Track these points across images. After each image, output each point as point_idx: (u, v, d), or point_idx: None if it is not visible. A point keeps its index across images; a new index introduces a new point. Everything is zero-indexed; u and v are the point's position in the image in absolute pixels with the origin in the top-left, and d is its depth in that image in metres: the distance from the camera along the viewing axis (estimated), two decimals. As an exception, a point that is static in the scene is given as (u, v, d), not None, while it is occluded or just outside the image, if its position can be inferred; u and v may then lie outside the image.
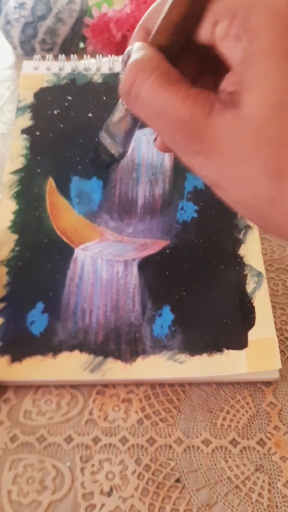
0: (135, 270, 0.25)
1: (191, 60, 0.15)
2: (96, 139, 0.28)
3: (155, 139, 0.18)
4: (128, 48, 0.14)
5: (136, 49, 0.13)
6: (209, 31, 0.12)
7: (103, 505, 0.18)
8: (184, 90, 0.12)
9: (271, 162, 0.11)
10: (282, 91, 0.11)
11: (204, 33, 0.12)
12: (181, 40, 0.13)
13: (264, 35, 0.11)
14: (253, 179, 0.12)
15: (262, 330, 0.22)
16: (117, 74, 0.33)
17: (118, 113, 0.20)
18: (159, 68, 0.12)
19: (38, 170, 0.28)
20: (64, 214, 0.27)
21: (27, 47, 0.54)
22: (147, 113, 0.13)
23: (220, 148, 0.12)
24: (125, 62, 0.14)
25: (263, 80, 0.11)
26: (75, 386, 0.22)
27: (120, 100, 0.19)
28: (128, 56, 0.14)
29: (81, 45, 0.58)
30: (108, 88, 0.32)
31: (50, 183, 0.28)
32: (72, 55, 0.33)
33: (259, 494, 0.18)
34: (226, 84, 0.12)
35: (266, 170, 0.11)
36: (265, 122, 0.11)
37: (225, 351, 0.22)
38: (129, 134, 0.22)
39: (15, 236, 0.26)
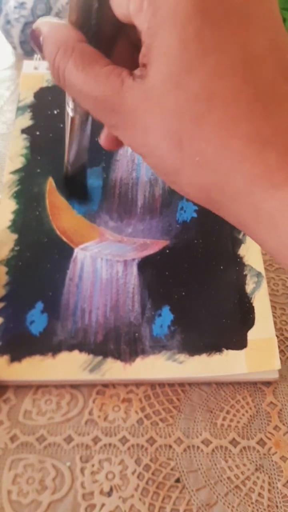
0: (134, 270, 0.25)
1: (128, 46, 0.15)
2: (96, 139, 0.28)
3: (99, 137, 0.18)
4: (37, 22, 0.14)
5: (52, 27, 0.14)
6: (124, 6, 0.12)
7: (103, 505, 0.18)
8: (99, 69, 0.12)
9: (172, 132, 0.12)
10: (181, 61, 0.11)
11: (120, 8, 0.12)
12: (91, 13, 0.13)
13: (165, 5, 0.11)
14: (159, 149, 0.12)
15: (262, 330, 0.22)
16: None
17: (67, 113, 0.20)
18: (75, 49, 0.13)
19: (38, 170, 0.28)
20: (64, 214, 0.27)
21: (27, 47, 0.54)
22: (73, 94, 0.14)
23: (132, 120, 0.12)
24: (35, 38, 0.14)
25: (164, 51, 0.11)
26: (75, 386, 0.22)
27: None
28: (38, 32, 0.14)
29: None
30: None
31: (50, 183, 0.28)
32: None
33: (259, 494, 0.18)
34: (140, 58, 0.12)
35: (167, 140, 0.12)
36: (165, 92, 0.11)
37: (225, 351, 0.22)
38: (74, 138, 0.21)
39: (14, 236, 0.26)
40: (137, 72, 0.12)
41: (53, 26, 0.14)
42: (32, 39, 0.14)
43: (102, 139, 0.18)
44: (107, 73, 0.12)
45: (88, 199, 0.27)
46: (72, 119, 0.20)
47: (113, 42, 0.14)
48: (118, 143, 0.18)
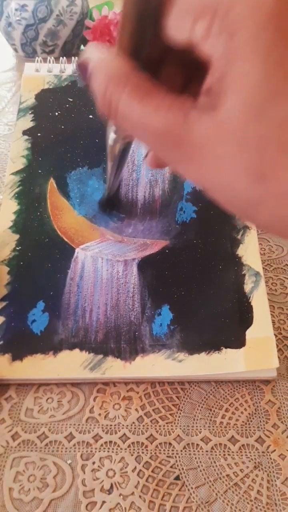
0: (135, 269, 0.25)
1: (176, 68, 0.14)
2: (97, 140, 0.28)
3: (145, 156, 0.18)
4: (85, 54, 0.14)
5: (101, 58, 0.13)
6: (187, 30, 0.11)
7: (103, 502, 0.18)
8: (158, 100, 0.12)
9: (252, 165, 0.11)
10: (262, 92, 0.10)
11: (179, 34, 0.12)
12: (145, 40, 0.13)
13: (244, 31, 0.10)
14: (235, 183, 0.11)
15: (260, 329, 0.22)
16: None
17: (110, 139, 0.20)
18: (130, 79, 0.12)
19: (39, 171, 0.29)
20: (64, 215, 0.27)
21: (28, 49, 0.55)
22: (129, 127, 0.13)
23: (200, 154, 0.12)
24: (83, 69, 0.13)
25: (242, 80, 0.10)
26: (76, 384, 0.22)
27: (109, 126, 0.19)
28: (86, 63, 0.13)
29: (82, 47, 0.58)
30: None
31: (51, 184, 0.28)
32: (73, 57, 0.34)
33: (258, 492, 0.19)
34: (206, 86, 0.12)
35: (247, 174, 0.11)
36: (245, 124, 0.11)
37: (223, 350, 0.22)
38: (116, 168, 0.22)
39: (16, 236, 0.26)
40: (205, 100, 0.11)
41: (102, 55, 0.13)
42: (80, 70, 0.13)
43: (149, 160, 0.17)
44: (168, 104, 0.12)
45: (125, 211, 0.27)
46: (112, 148, 0.20)
47: (160, 64, 0.14)
48: (165, 164, 0.17)
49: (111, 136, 0.19)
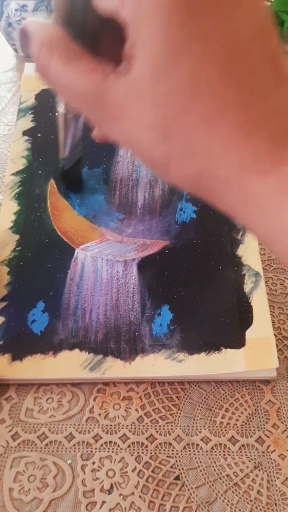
0: (134, 270, 0.25)
1: (114, 39, 0.15)
2: (97, 141, 0.28)
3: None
4: (24, 22, 0.15)
5: (35, 25, 0.14)
6: (108, 2, 0.12)
7: (103, 502, 0.18)
8: (84, 64, 0.13)
9: (158, 123, 0.12)
10: (166, 53, 0.11)
11: (104, 5, 0.12)
12: (76, 10, 0.14)
13: None
14: (146, 140, 0.12)
15: (260, 329, 0.22)
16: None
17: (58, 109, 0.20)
18: (61, 44, 0.13)
19: (39, 171, 0.29)
20: (65, 215, 0.27)
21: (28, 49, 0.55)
22: (58, 90, 0.14)
23: (117, 115, 0.12)
24: (23, 36, 0.15)
25: (148, 44, 0.11)
26: (76, 384, 0.22)
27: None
28: (25, 30, 0.14)
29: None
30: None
31: (51, 184, 0.28)
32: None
33: (258, 492, 0.19)
34: (126, 51, 0.12)
35: (154, 131, 0.12)
36: (150, 85, 0.11)
37: (223, 350, 0.22)
38: (67, 134, 0.22)
39: (16, 236, 0.26)
40: (123, 66, 0.12)
41: (39, 25, 0.14)
42: (21, 38, 0.15)
43: (94, 133, 0.19)
44: (91, 68, 0.12)
45: (82, 190, 0.27)
46: (65, 115, 0.20)
47: (98, 38, 0.15)
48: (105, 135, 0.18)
49: (61, 104, 0.20)
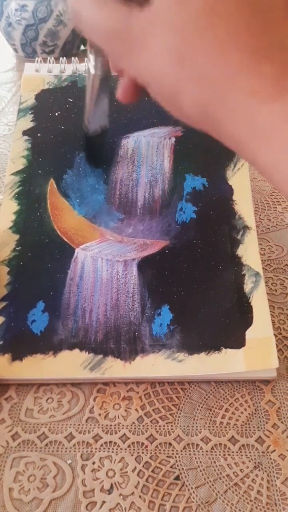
0: (134, 270, 0.25)
1: None
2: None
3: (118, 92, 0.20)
4: None
5: None
6: None
7: (103, 502, 0.18)
8: (111, 4, 0.14)
9: (173, 48, 0.12)
10: None
11: None
12: None
13: None
14: (161, 67, 0.13)
15: (260, 329, 0.22)
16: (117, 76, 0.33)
17: (86, 75, 0.22)
18: None
19: (39, 171, 0.29)
20: (64, 215, 0.27)
21: (28, 49, 0.55)
22: (89, 31, 0.15)
23: (138, 46, 0.13)
24: None
25: None
26: (76, 384, 0.22)
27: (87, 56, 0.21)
28: None
29: (82, 47, 0.58)
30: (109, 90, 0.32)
31: (51, 184, 0.28)
32: (73, 58, 0.34)
33: (258, 492, 0.19)
34: None
35: (169, 56, 0.13)
36: (168, 11, 0.12)
37: (223, 350, 0.22)
38: (96, 97, 0.23)
39: (16, 236, 0.26)
40: (146, 1, 0.13)
41: None
42: None
43: (119, 91, 0.19)
44: (117, 7, 0.13)
45: (103, 165, 0.27)
46: (94, 77, 0.21)
47: None
48: (134, 94, 0.19)
49: (91, 64, 0.21)
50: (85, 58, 0.21)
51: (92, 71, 0.21)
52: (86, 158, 0.28)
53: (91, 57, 0.21)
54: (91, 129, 0.26)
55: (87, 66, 0.21)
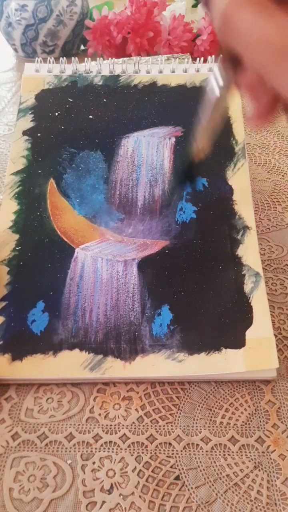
0: (134, 269, 0.25)
1: None
2: (97, 140, 0.27)
3: (250, 117, 0.18)
4: None
5: None
6: None
7: (103, 502, 0.18)
8: (278, 17, 0.13)
9: None
10: None
11: None
12: None
13: None
14: None
15: (260, 329, 0.22)
16: (117, 76, 0.33)
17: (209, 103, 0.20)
18: (257, 1, 0.13)
19: (39, 171, 0.29)
20: (64, 214, 0.27)
21: (28, 49, 0.55)
22: (246, 44, 0.14)
23: None
24: None
25: None
26: (76, 384, 0.22)
27: (211, 86, 0.19)
28: None
29: (82, 47, 0.58)
30: (109, 90, 0.32)
31: (51, 184, 0.28)
32: (73, 58, 0.34)
33: (258, 492, 0.19)
34: None
35: None
36: None
37: (223, 350, 0.22)
38: (214, 120, 0.21)
39: (16, 236, 0.26)
40: None
41: None
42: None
43: (255, 116, 0.18)
44: (285, 20, 0.13)
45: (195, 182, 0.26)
46: (218, 99, 0.20)
47: None
48: (271, 118, 0.18)
49: (219, 86, 0.19)
50: (212, 71, 0.19)
51: (217, 93, 0.19)
52: (186, 181, 0.26)
53: (220, 79, 0.19)
54: (204, 153, 0.23)
55: (211, 82, 0.19)
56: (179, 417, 0.21)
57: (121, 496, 0.18)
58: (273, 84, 0.14)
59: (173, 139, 0.30)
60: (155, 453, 0.20)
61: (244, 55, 0.15)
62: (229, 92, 0.20)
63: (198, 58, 0.34)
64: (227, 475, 0.19)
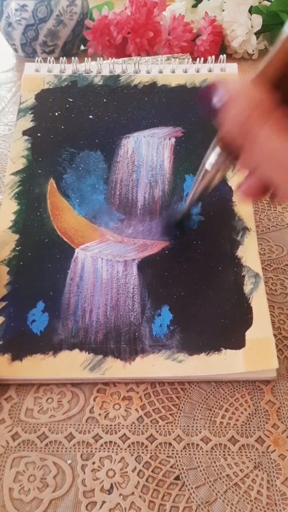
0: (134, 270, 0.25)
1: None
2: (97, 140, 0.28)
3: (239, 187, 0.19)
4: (212, 81, 0.15)
5: (241, 86, 0.14)
6: None
7: (103, 502, 0.18)
8: None
9: None
10: None
11: None
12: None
13: None
14: None
15: (259, 330, 0.22)
16: (118, 76, 0.33)
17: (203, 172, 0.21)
18: (273, 112, 0.13)
19: (39, 171, 0.29)
20: (64, 215, 0.27)
21: (28, 49, 0.55)
22: (262, 157, 0.14)
23: None
24: (210, 93, 0.14)
25: None
26: (76, 385, 0.22)
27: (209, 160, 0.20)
28: (215, 88, 0.14)
29: (82, 47, 0.58)
30: (109, 90, 0.32)
31: (51, 184, 0.28)
32: (73, 58, 0.34)
33: (258, 492, 0.19)
34: None
35: None
36: None
37: (223, 350, 0.22)
38: (201, 189, 0.22)
39: (16, 236, 0.26)
40: None
41: (242, 86, 0.14)
42: (206, 93, 0.14)
43: (244, 188, 0.18)
44: None
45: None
46: (206, 172, 0.21)
47: None
48: (260, 195, 0.18)
49: (211, 160, 0.20)
50: (209, 151, 0.20)
51: (208, 167, 0.21)
52: (175, 232, 0.26)
53: (213, 156, 0.20)
54: (187, 212, 0.25)
55: (207, 161, 0.20)
56: (179, 417, 0.21)
57: (121, 496, 0.18)
58: (281, 192, 0.14)
59: (173, 140, 0.30)
60: (155, 453, 0.20)
61: (262, 164, 0.14)
62: (221, 170, 0.21)
63: (198, 58, 0.34)
64: (227, 475, 0.19)
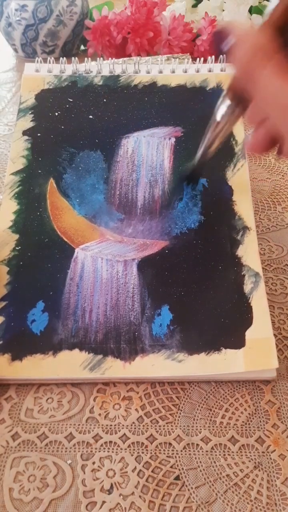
0: (134, 270, 0.25)
1: None
2: (97, 140, 0.28)
3: (246, 141, 0.20)
4: (224, 25, 0.15)
5: (247, 30, 0.14)
6: None
7: (103, 502, 0.18)
8: None
9: None
10: None
11: None
12: None
13: None
14: None
15: (259, 330, 0.22)
16: (118, 76, 0.33)
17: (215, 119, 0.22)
18: (275, 55, 0.14)
19: (39, 171, 0.29)
20: (64, 214, 0.27)
21: (28, 49, 0.55)
22: (263, 98, 0.15)
23: None
24: (221, 36, 0.15)
25: None
26: (76, 384, 0.22)
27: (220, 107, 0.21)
28: (227, 32, 0.14)
29: (82, 47, 0.58)
30: (109, 90, 0.32)
31: (51, 184, 0.28)
32: (73, 58, 0.34)
33: (258, 492, 0.19)
34: None
35: None
36: None
37: (223, 350, 0.22)
38: (213, 141, 0.24)
39: (16, 236, 0.26)
40: None
41: (249, 31, 0.14)
42: (218, 37, 0.15)
43: (252, 142, 0.18)
44: None
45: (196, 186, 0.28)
46: (218, 123, 0.22)
47: None
48: (268, 148, 0.18)
49: (221, 111, 0.21)
50: (218, 102, 0.21)
51: (219, 118, 0.22)
52: (185, 178, 0.28)
53: (224, 107, 0.21)
54: (201, 162, 0.26)
55: (218, 112, 0.22)
56: (179, 417, 0.21)
57: (121, 496, 0.18)
58: (285, 137, 0.14)
59: (173, 139, 0.30)
60: (155, 453, 0.20)
61: (265, 108, 0.15)
62: (230, 121, 0.22)
63: (198, 58, 0.34)
64: (227, 475, 0.19)
